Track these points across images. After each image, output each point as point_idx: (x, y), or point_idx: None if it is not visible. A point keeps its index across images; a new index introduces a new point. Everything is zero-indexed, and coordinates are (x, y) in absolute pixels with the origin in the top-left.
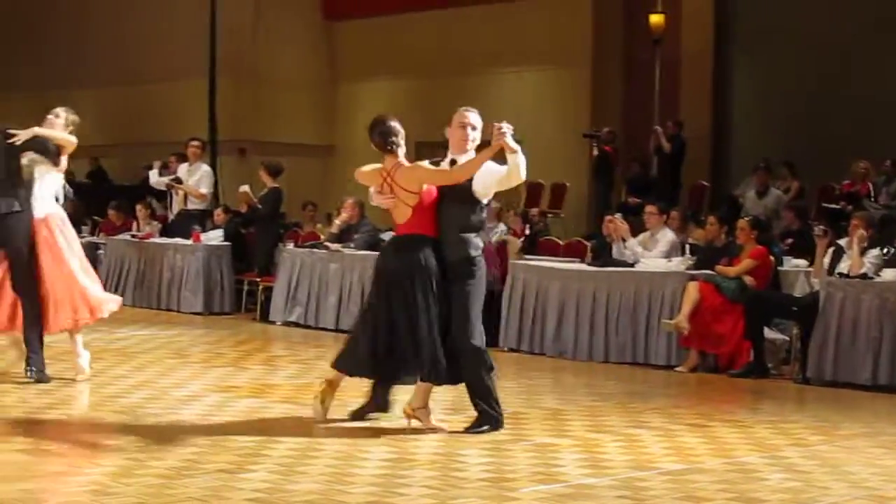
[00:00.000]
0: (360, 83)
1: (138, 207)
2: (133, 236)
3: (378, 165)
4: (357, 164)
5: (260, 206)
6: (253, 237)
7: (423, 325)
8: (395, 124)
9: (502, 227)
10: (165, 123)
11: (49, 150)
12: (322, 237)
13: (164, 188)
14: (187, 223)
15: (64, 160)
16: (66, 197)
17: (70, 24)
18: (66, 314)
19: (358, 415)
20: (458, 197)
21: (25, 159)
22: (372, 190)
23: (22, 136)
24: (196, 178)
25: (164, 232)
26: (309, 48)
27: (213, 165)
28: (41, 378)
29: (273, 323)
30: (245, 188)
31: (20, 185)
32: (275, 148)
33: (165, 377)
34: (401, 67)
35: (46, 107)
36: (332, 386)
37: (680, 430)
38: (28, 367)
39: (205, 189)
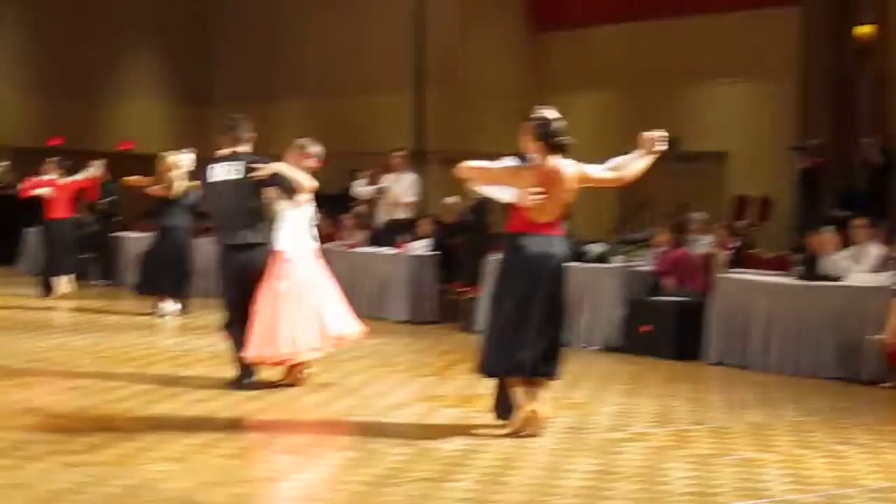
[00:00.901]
0: (567, 94)
1: (346, 217)
2: (340, 245)
3: (500, 164)
4: None
5: (467, 217)
6: (460, 247)
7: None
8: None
9: (709, 239)
10: (372, 133)
11: (285, 188)
12: None
13: (369, 198)
14: (394, 233)
15: (303, 196)
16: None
17: (276, 35)
18: (258, 346)
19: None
20: None
21: (271, 194)
22: (513, 188)
23: (263, 171)
24: (402, 187)
25: (372, 241)
26: (515, 59)
27: (419, 175)
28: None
29: (478, 333)
30: (452, 199)
31: (262, 217)
32: (481, 158)
33: (371, 385)
34: (608, 79)
35: (251, 114)
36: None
37: (886, 448)
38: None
39: (410, 198)
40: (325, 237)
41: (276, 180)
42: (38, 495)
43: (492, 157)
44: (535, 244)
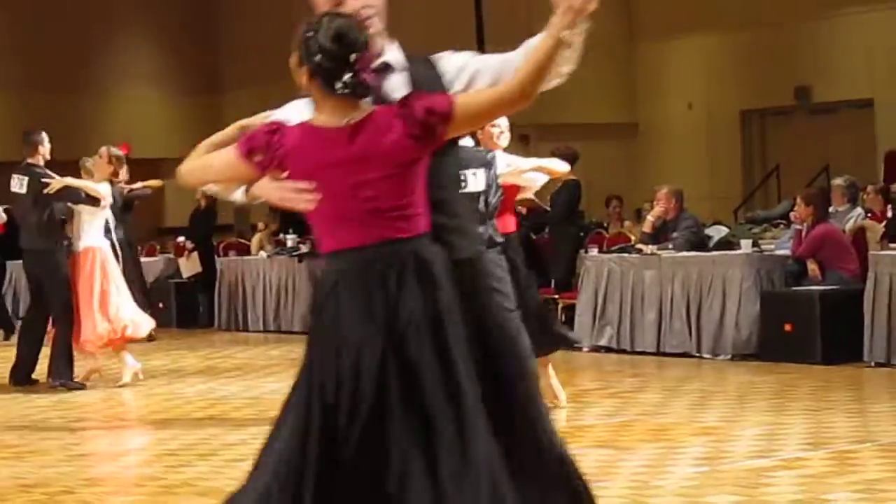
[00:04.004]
0: (667, 41)
1: None
2: None
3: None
4: (669, 143)
5: (548, 209)
6: (547, 244)
7: None
8: None
9: (858, 210)
10: None
11: (81, 199)
12: (633, 238)
13: None
14: None
15: (104, 191)
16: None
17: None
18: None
19: None
20: None
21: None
22: None
23: (53, 185)
24: None
25: None
26: (602, 2)
27: None
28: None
29: (579, 348)
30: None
31: (55, 227)
32: (565, 131)
33: None
34: (716, 18)
35: (274, 100)
36: None
37: None
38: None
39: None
40: None
41: (70, 194)
42: None
43: (580, 128)
44: None
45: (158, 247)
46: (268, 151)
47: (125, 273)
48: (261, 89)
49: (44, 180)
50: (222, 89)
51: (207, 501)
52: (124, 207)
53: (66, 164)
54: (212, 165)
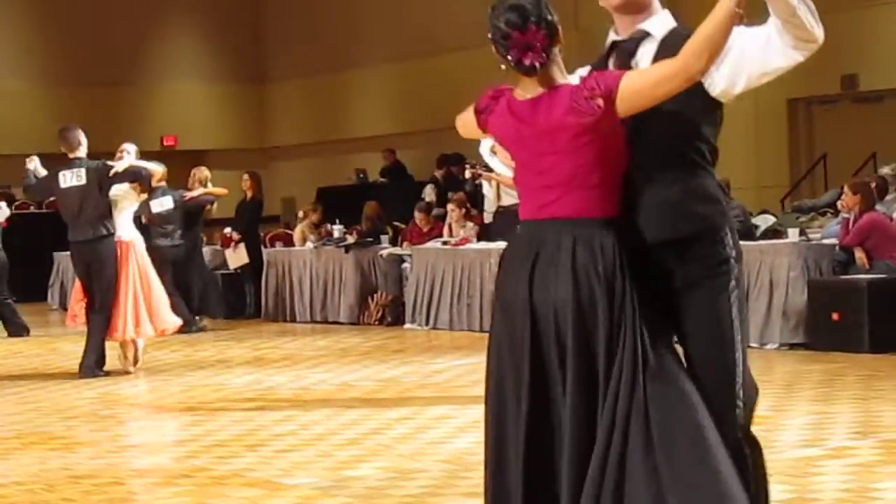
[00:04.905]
0: None
1: (450, 207)
2: (444, 243)
3: None
4: None
5: None
6: None
7: None
8: None
9: None
10: (469, 99)
11: (144, 177)
12: None
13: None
14: (508, 224)
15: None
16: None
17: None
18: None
19: None
20: None
21: (113, 190)
22: None
23: (119, 166)
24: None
25: (483, 236)
26: None
27: None
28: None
29: None
30: None
31: (110, 213)
32: None
33: None
34: (760, 7)
35: (322, 90)
36: None
37: None
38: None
39: None
40: (425, 234)
41: (133, 173)
42: None
43: None
44: None
45: (205, 238)
46: (485, 112)
47: (178, 276)
48: (308, 80)
49: (108, 163)
50: (269, 80)
51: (256, 492)
52: (188, 216)
53: (113, 157)
54: (465, 119)
